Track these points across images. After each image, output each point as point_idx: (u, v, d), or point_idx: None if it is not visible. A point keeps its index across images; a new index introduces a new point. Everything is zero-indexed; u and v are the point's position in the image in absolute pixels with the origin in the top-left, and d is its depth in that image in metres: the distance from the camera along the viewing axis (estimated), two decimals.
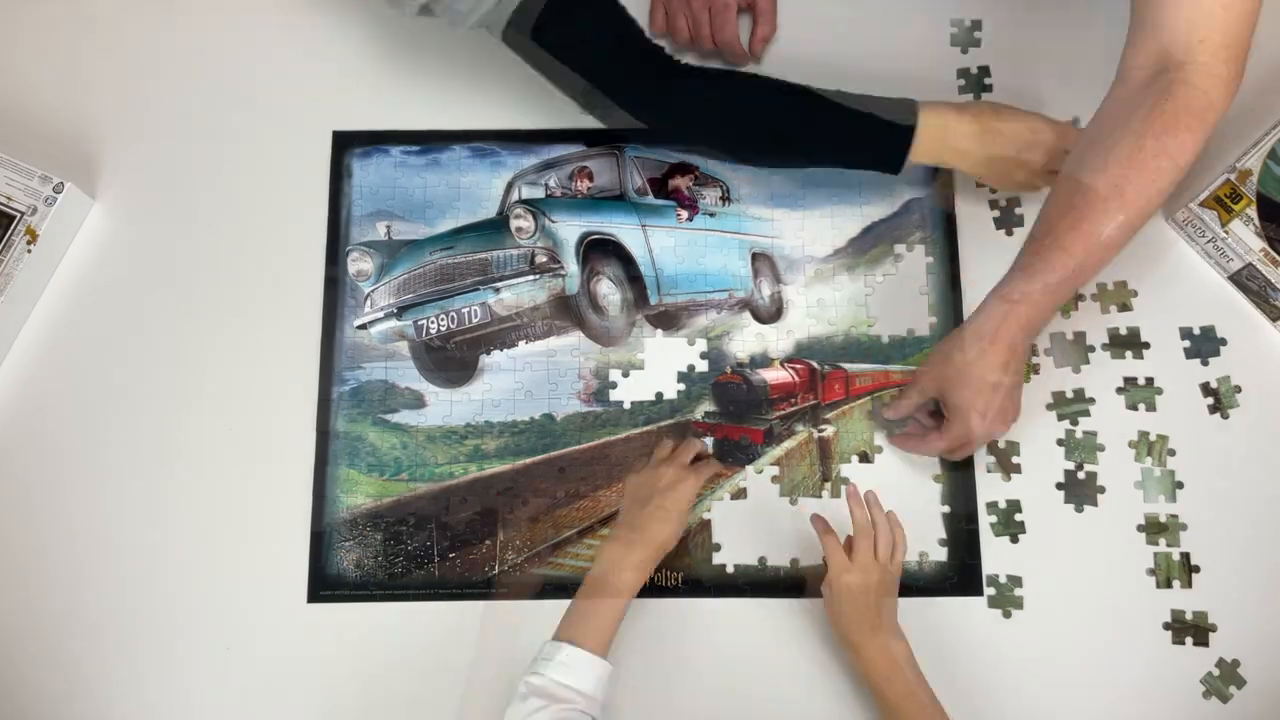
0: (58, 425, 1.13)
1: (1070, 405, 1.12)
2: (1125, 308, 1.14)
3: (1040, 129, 1.07)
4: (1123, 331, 1.13)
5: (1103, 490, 1.10)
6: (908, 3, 1.22)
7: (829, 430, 1.13)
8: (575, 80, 1.06)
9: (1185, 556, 1.08)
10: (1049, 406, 1.12)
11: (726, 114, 1.07)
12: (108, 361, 1.14)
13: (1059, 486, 1.10)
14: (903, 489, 1.10)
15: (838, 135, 1.07)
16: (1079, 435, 1.11)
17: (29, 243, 1.12)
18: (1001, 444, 1.11)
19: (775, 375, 1.14)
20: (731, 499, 1.11)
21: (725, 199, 1.18)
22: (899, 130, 1.05)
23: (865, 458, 1.12)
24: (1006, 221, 1.16)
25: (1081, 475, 1.10)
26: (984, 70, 1.20)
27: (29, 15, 1.23)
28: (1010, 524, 1.10)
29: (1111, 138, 0.93)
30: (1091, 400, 1.12)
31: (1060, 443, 1.11)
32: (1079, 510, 1.10)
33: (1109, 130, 0.94)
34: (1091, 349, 1.13)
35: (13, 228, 1.12)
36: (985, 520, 1.10)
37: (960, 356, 0.99)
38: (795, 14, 1.22)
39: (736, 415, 1.13)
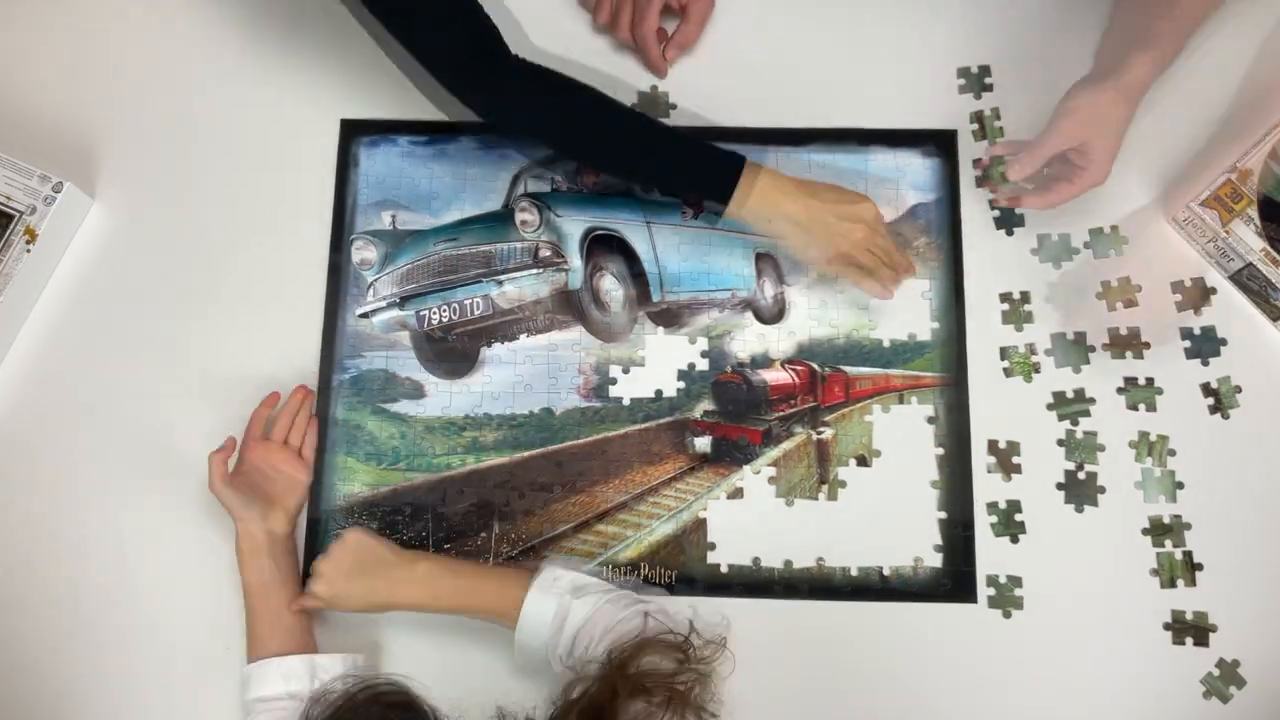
0: (57, 424, 1.13)
1: (1070, 405, 1.11)
2: (1131, 303, 1.13)
3: (861, 204, 1.10)
4: (1123, 331, 1.13)
5: (1103, 490, 1.09)
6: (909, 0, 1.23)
7: (828, 433, 1.12)
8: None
9: (1188, 555, 1.07)
10: (1049, 407, 1.12)
11: (563, 118, 1.08)
12: (107, 360, 1.14)
13: (1059, 487, 1.10)
14: (900, 494, 1.10)
15: (671, 163, 1.09)
16: (1079, 435, 1.11)
17: (28, 242, 1.12)
18: (1002, 444, 1.11)
19: (775, 376, 1.14)
20: (728, 499, 1.11)
21: None
22: (730, 169, 1.07)
23: (863, 461, 1.12)
24: (1006, 222, 1.16)
25: (1082, 476, 1.10)
26: (984, 69, 1.20)
27: (28, 15, 1.23)
28: (1010, 524, 1.09)
29: None
30: (1092, 400, 1.11)
31: (1060, 443, 1.11)
32: (1079, 510, 1.09)
33: None
34: (1092, 349, 1.12)
35: (12, 227, 1.12)
36: (985, 520, 1.09)
37: (1110, 108, 1.05)
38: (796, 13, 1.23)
39: (735, 415, 1.13)
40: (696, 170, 1.09)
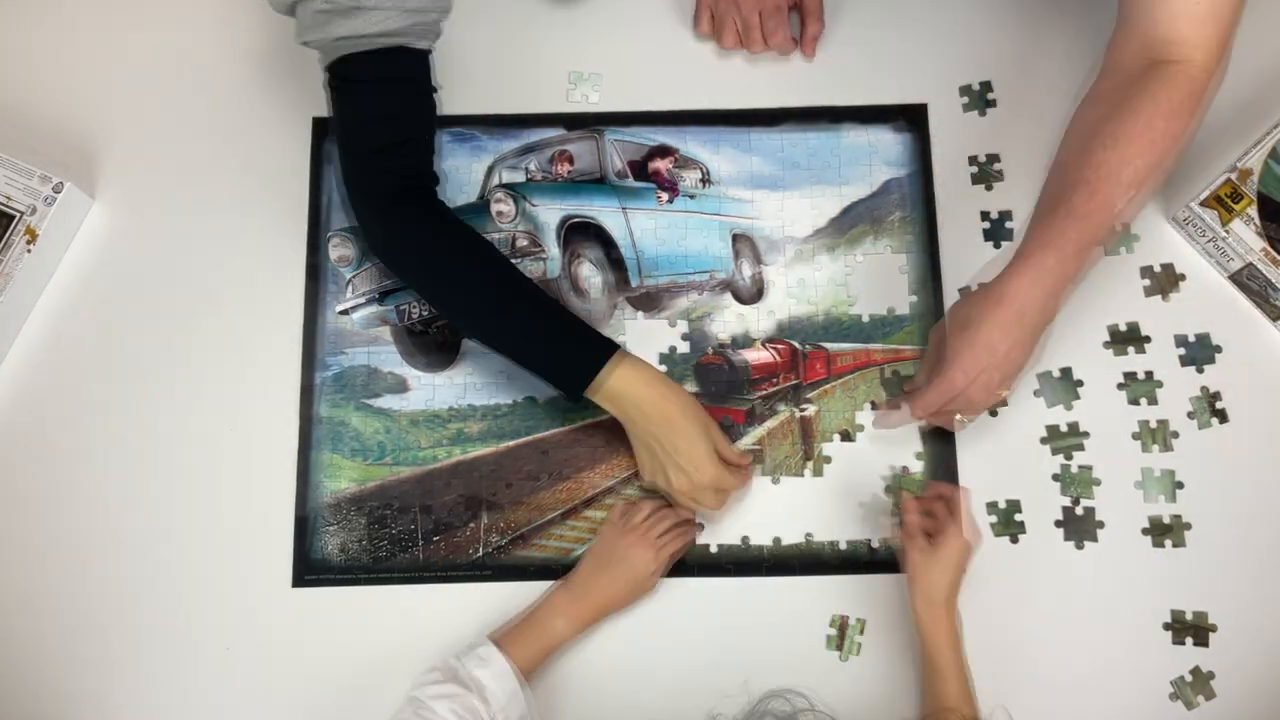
0: (56, 423, 1.14)
1: (1069, 404, 1.11)
2: (1132, 302, 1.13)
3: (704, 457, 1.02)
4: (1122, 328, 1.13)
5: (1099, 483, 1.09)
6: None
7: (811, 409, 1.12)
8: None
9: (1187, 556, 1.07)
10: (1049, 405, 1.12)
11: (441, 275, 1.05)
12: (106, 360, 1.15)
13: (1054, 479, 1.10)
14: (884, 466, 1.10)
15: (536, 349, 1.05)
16: (1079, 433, 1.11)
17: (28, 242, 1.13)
18: None
19: (757, 355, 1.14)
20: None
21: (705, 181, 1.18)
22: (590, 365, 1.01)
23: (847, 436, 1.12)
24: (984, 177, 1.17)
25: (1075, 470, 1.10)
26: (986, 85, 1.20)
27: (27, 16, 1.24)
28: (1010, 524, 1.09)
29: (1115, 121, 0.98)
30: (1091, 398, 1.11)
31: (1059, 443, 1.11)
32: (1079, 510, 1.09)
33: (1108, 115, 0.99)
34: (1080, 383, 1.12)
35: (12, 227, 1.13)
36: (985, 520, 1.09)
37: (965, 313, 1.00)
38: None
39: (719, 396, 1.13)
40: (559, 358, 1.04)
